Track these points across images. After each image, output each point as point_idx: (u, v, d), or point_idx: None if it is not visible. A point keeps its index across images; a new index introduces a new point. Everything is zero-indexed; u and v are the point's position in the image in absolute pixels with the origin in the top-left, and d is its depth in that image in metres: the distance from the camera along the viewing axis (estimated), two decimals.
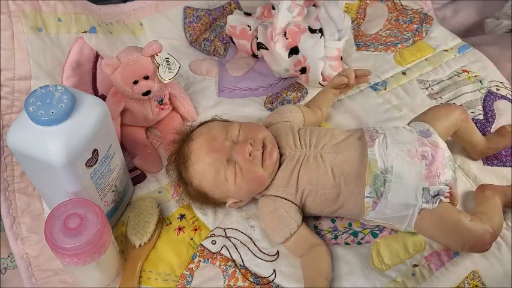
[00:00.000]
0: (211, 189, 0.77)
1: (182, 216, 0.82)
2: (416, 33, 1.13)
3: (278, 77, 1.05)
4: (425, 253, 0.77)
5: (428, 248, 0.77)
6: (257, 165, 0.74)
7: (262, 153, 0.75)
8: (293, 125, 0.83)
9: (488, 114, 0.95)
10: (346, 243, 0.79)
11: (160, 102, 0.90)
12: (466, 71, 1.04)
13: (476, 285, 0.73)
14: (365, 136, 0.77)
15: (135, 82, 0.83)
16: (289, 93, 1.00)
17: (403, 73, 1.05)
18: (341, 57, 1.01)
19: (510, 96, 0.98)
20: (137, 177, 0.88)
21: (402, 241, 0.78)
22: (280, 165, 0.77)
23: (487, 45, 1.09)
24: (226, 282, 0.74)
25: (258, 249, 0.77)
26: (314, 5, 1.04)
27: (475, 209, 0.78)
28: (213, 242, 0.79)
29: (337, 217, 0.81)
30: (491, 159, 0.88)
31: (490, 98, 0.98)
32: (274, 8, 1.07)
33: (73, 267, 0.65)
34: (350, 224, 0.81)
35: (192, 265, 0.76)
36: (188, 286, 0.74)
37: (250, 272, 0.75)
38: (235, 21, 1.08)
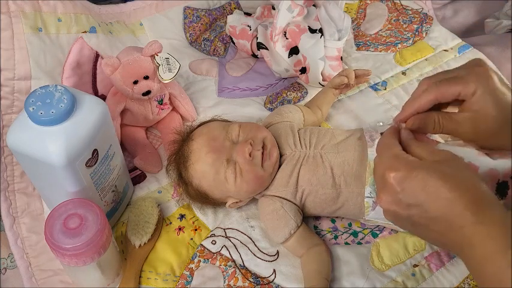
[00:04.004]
0: (211, 189, 0.77)
1: (182, 216, 0.82)
2: (416, 33, 1.13)
3: (278, 77, 1.05)
4: (426, 253, 0.77)
5: (429, 248, 0.77)
6: (257, 166, 0.74)
7: (262, 153, 0.75)
8: (293, 125, 0.83)
9: None
10: (346, 243, 0.79)
11: (160, 102, 0.90)
12: None
13: (477, 285, 0.73)
14: (365, 136, 0.77)
15: (135, 82, 0.83)
16: (289, 93, 1.00)
17: (403, 73, 1.05)
18: (341, 57, 1.01)
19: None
20: (137, 177, 0.88)
21: (402, 241, 0.78)
22: (280, 166, 0.77)
23: (487, 45, 1.09)
24: (226, 282, 0.74)
25: (258, 249, 0.78)
26: (314, 5, 1.04)
27: None
28: (213, 242, 0.79)
29: (337, 217, 0.81)
30: None
31: None
32: (274, 8, 1.07)
33: (73, 268, 0.65)
34: (350, 224, 0.81)
35: (192, 265, 0.76)
36: (188, 286, 0.74)
37: (250, 272, 0.75)
38: (235, 21, 1.08)
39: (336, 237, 0.79)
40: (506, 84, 0.56)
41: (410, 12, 1.18)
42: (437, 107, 0.58)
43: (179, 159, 0.79)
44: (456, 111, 0.58)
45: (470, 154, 0.57)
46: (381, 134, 0.74)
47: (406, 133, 0.58)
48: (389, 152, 0.54)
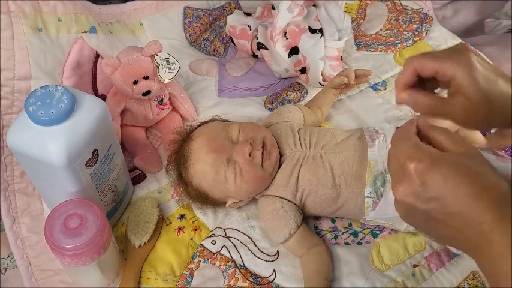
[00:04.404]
0: (211, 189, 0.77)
1: (182, 216, 0.82)
2: (416, 33, 1.13)
3: (278, 77, 1.05)
4: (426, 253, 0.77)
5: (429, 248, 0.77)
6: (257, 166, 0.74)
7: (262, 153, 0.75)
8: (293, 125, 0.83)
9: None
10: (346, 243, 0.79)
11: (160, 102, 0.90)
12: None
13: (476, 286, 0.73)
14: (365, 136, 0.77)
15: (135, 82, 0.83)
16: (289, 93, 1.00)
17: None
18: (341, 57, 1.01)
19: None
20: (137, 177, 0.88)
21: (402, 241, 0.78)
22: (280, 166, 0.77)
23: (487, 45, 1.09)
24: (226, 282, 0.74)
25: (258, 249, 0.77)
26: (314, 5, 1.04)
27: None
28: (213, 242, 0.79)
29: (337, 217, 0.81)
30: None
31: None
32: (274, 8, 1.07)
33: (73, 268, 0.65)
34: (350, 224, 0.81)
35: (192, 265, 0.76)
36: (188, 286, 0.74)
37: (250, 272, 0.75)
38: (235, 21, 1.08)
39: (336, 237, 0.79)
40: (493, 69, 0.56)
41: (410, 12, 1.18)
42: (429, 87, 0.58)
43: (179, 159, 0.79)
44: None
45: (488, 157, 0.56)
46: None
47: (425, 120, 0.55)
48: (408, 141, 0.52)
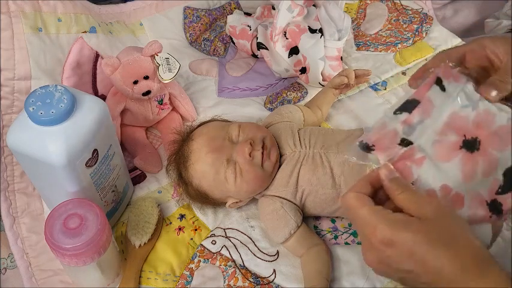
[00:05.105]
0: (211, 189, 0.77)
1: (182, 216, 0.82)
2: (416, 33, 1.13)
3: (278, 77, 1.05)
4: None
5: None
6: (257, 166, 0.74)
7: (262, 153, 0.75)
8: (293, 125, 0.83)
9: None
10: (346, 243, 0.79)
11: (160, 102, 0.90)
12: None
13: None
14: None
15: (135, 82, 0.83)
16: (289, 93, 1.00)
17: (403, 73, 1.05)
18: (341, 57, 1.01)
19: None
20: (137, 177, 0.88)
21: None
22: (280, 166, 0.77)
23: None
24: (226, 282, 0.74)
25: (258, 249, 0.78)
26: (314, 5, 1.04)
27: None
28: (213, 242, 0.79)
29: (337, 217, 0.81)
30: None
31: None
32: (274, 8, 1.07)
33: (73, 268, 0.65)
34: (350, 224, 0.81)
35: (192, 265, 0.76)
36: (188, 286, 0.74)
37: (250, 272, 0.75)
38: (235, 21, 1.08)
39: (336, 237, 0.79)
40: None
41: (410, 12, 1.18)
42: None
43: (179, 159, 0.79)
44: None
45: (455, 179, 0.52)
46: None
47: (390, 172, 0.51)
48: (362, 208, 0.49)
